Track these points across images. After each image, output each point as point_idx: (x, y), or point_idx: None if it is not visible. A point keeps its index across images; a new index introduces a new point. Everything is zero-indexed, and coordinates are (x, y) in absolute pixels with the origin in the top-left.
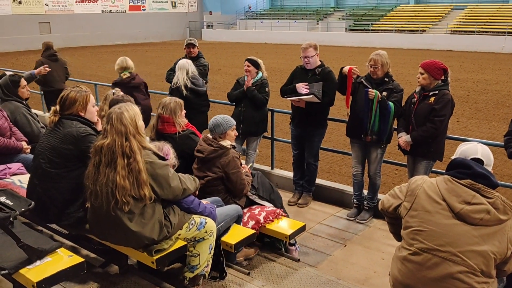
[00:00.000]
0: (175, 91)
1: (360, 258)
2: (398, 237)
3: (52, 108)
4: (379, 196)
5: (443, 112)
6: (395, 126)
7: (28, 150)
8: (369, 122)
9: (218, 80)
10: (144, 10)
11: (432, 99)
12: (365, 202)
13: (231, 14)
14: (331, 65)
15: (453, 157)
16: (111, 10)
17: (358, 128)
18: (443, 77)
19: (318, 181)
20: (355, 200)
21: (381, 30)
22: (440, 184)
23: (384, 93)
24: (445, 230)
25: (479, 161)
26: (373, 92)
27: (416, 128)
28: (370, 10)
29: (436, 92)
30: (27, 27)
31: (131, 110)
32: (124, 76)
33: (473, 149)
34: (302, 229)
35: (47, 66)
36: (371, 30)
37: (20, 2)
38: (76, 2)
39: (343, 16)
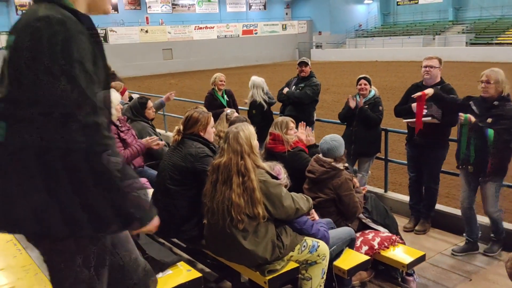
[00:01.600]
0: (257, 107)
1: None
2: None
3: (176, 128)
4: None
5: None
6: None
7: (152, 141)
8: (460, 150)
9: (327, 99)
10: (256, 33)
11: None
12: (491, 235)
13: (340, 33)
14: (450, 82)
15: None
16: (225, 35)
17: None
18: None
19: (437, 206)
20: (465, 235)
21: (507, 43)
22: None
23: (489, 120)
24: None
25: None
26: (462, 117)
27: None
28: (494, 22)
29: None
30: (152, 54)
31: (247, 130)
32: None
33: None
34: (422, 258)
35: (173, 92)
36: (495, 43)
37: (146, 31)
38: (195, 29)
39: (463, 29)
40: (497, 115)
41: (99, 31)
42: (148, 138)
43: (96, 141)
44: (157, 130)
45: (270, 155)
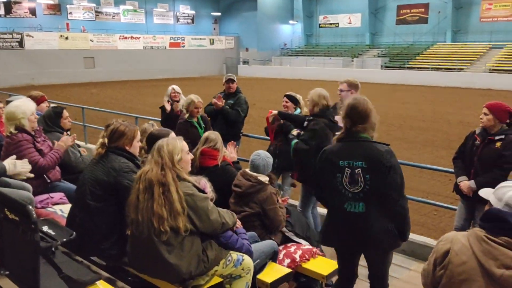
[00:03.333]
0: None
1: None
2: None
3: (100, 140)
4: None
5: None
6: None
7: (69, 137)
8: None
9: (253, 114)
10: (183, 46)
11: (498, 144)
12: None
13: (266, 50)
14: None
15: (492, 202)
16: (152, 47)
17: None
18: (508, 121)
19: None
20: None
21: (418, 68)
22: (474, 245)
23: (295, 132)
24: None
25: None
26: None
27: (480, 173)
28: (406, 48)
29: (503, 136)
30: (72, 61)
31: (171, 145)
32: None
33: None
34: None
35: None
36: (407, 67)
37: (67, 38)
38: (119, 38)
39: (378, 53)
40: (303, 128)
41: (13, 35)
42: (60, 142)
43: None
44: (76, 141)
45: (200, 169)
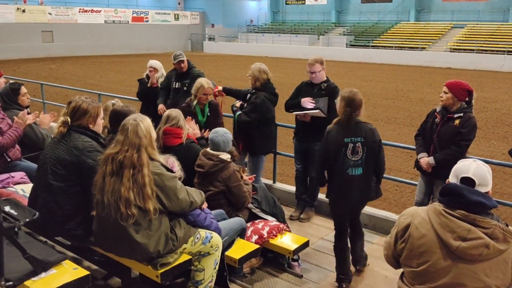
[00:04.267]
0: None
1: (363, 275)
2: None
3: (61, 118)
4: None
5: (470, 137)
6: None
7: (29, 115)
8: None
9: None
10: (147, 21)
11: (457, 121)
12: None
13: (233, 27)
14: (333, 80)
15: (449, 177)
16: (113, 21)
17: None
18: (467, 99)
19: (320, 196)
20: None
21: (382, 46)
22: (433, 218)
23: (238, 104)
24: (444, 270)
25: (470, 181)
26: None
27: (439, 150)
28: (370, 26)
29: (461, 114)
30: (30, 35)
31: (146, 122)
32: None
33: (465, 167)
34: (306, 244)
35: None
36: (372, 46)
37: (23, 11)
38: (79, 11)
39: (344, 32)
40: (246, 101)
41: None
42: (17, 119)
43: None
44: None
45: (164, 149)
